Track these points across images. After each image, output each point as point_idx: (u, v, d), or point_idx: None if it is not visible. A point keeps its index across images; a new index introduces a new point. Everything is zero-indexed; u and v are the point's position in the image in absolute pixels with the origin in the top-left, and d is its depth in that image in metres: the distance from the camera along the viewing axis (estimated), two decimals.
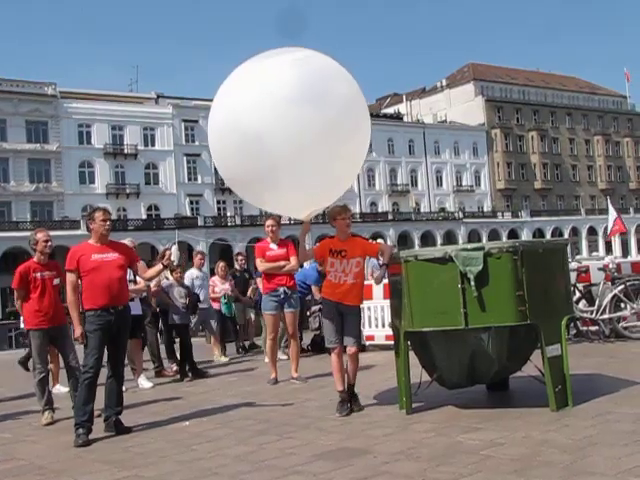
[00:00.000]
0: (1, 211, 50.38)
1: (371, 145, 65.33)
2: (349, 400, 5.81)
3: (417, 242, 62.82)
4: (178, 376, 9.15)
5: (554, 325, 5.19)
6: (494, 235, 66.96)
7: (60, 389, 8.21)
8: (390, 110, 77.97)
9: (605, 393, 5.49)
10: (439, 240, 63.89)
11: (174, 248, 6.20)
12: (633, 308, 9.06)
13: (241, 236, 53.19)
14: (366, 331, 10.57)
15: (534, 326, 5.11)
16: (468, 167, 72.54)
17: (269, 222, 8.05)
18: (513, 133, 75.46)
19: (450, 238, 64.83)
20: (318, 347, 10.04)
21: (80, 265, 5.71)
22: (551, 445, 4.19)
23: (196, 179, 57.22)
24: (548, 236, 66.91)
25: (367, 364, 8.57)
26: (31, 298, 6.52)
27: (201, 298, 10.59)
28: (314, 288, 10.35)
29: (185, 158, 56.60)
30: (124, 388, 6.27)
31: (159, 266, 6.05)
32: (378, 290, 10.15)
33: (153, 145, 56.22)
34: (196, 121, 54.21)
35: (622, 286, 9.02)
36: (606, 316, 8.95)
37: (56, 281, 6.59)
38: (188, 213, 56.68)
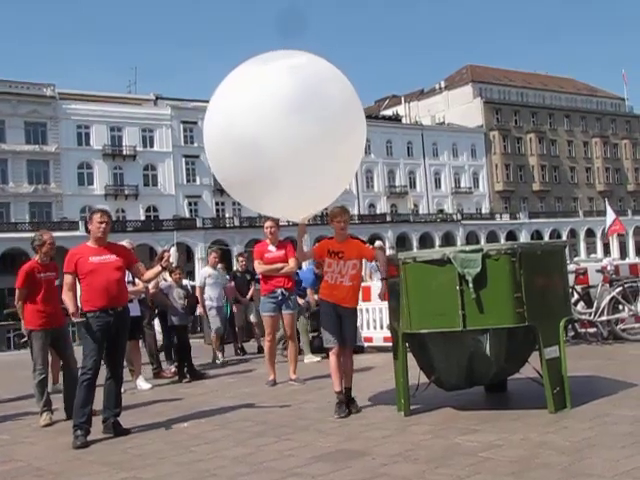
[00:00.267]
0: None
1: (369, 147, 65.67)
2: (347, 402, 5.82)
3: (415, 244, 62.83)
4: (176, 377, 9.16)
5: (552, 327, 5.19)
6: (492, 237, 67.01)
7: (60, 388, 8.20)
8: (389, 112, 78.03)
9: (603, 395, 5.50)
10: (437, 242, 63.93)
11: (172, 249, 6.21)
12: (631, 310, 9.08)
13: (240, 237, 53.19)
14: (364, 333, 10.58)
15: (532, 328, 5.12)
16: (466, 169, 72.60)
17: (268, 224, 8.05)
18: (511, 135, 75.55)
19: (448, 240, 64.84)
20: (316, 349, 10.03)
21: (78, 268, 5.71)
22: (549, 447, 4.19)
23: (195, 180, 57.21)
24: (546, 238, 66.93)
25: (365, 366, 8.57)
26: (34, 299, 6.52)
27: (214, 296, 10.71)
28: (309, 291, 10.36)
29: (184, 159, 56.59)
30: (123, 389, 6.27)
31: (158, 268, 6.05)
32: (376, 292, 10.17)
33: (152, 146, 56.22)
34: (195, 122, 54.19)
35: (620, 288, 9.03)
36: (604, 318, 8.96)
37: (57, 282, 6.60)
38: (187, 214, 56.68)
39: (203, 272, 11.04)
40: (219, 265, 11.57)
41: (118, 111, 54.60)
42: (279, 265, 7.84)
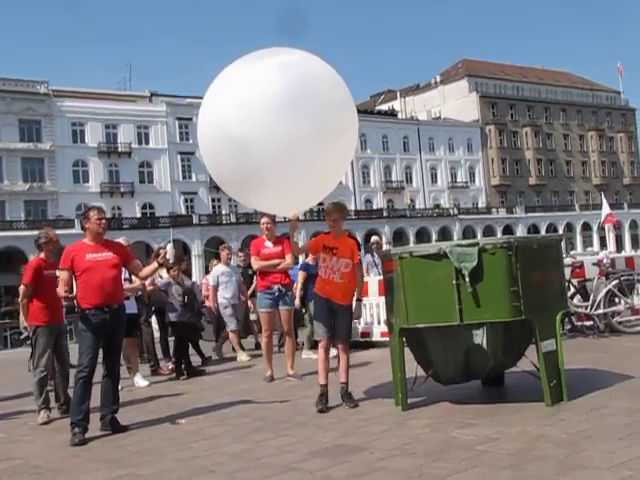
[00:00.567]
0: None
1: (365, 142, 65.61)
2: (342, 395, 5.85)
3: (412, 239, 62.87)
4: (174, 374, 9.15)
5: (549, 320, 5.21)
6: (489, 231, 67.06)
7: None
8: (384, 107, 78.01)
9: (600, 387, 5.51)
10: (434, 236, 63.99)
11: (169, 246, 6.21)
12: (627, 303, 9.11)
13: (236, 234, 53.11)
14: (361, 328, 10.59)
15: (529, 321, 5.13)
16: (462, 163, 72.64)
17: (264, 219, 8.04)
18: (507, 129, 75.59)
19: (445, 234, 64.93)
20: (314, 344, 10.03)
21: (74, 265, 5.71)
22: (546, 439, 4.21)
23: (190, 177, 57.13)
24: (543, 232, 66.97)
25: (363, 361, 8.58)
26: (40, 295, 6.53)
27: (228, 295, 10.54)
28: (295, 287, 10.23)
29: (179, 156, 56.50)
30: (120, 387, 6.28)
31: (154, 265, 6.04)
32: (373, 287, 10.18)
33: (147, 143, 56.12)
34: (190, 119, 53.97)
35: (616, 281, 9.05)
36: (600, 311, 8.98)
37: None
38: (183, 211, 56.61)
39: (216, 270, 10.78)
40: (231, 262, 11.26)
41: (113, 108, 54.46)
42: (276, 261, 7.83)
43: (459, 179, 72.48)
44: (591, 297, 9.06)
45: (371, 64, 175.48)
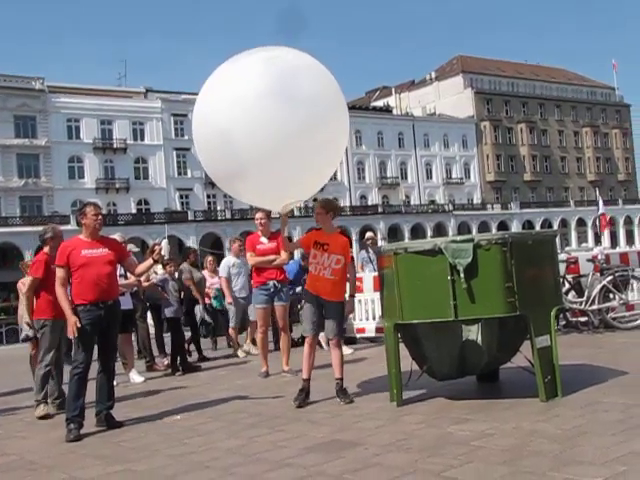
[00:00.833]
0: None
1: (360, 138, 65.47)
2: (338, 390, 5.86)
3: (407, 235, 62.89)
4: (169, 370, 9.16)
5: (543, 316, 5.22)
6: (484, 227, 67.15)
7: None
8: (379, 103, 77.95)
9: (594, 383, 5.53)
10: (429, 232, 63.99)
11: (164, 242, 6.20)
12: (622, 299, 9.13)
13: (231, 230, 52.99)
14: (357, 324, 10.60)
15: (523, 317, 5.14)
16: (457, 159, 72.65)
17: (258, 215, 8.04)
18: (502, 125, 75.61)
19: (440, 230, 64.93)
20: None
21: (70, 260, 5.71)
22: (541, 435, 4.22)
23: (186, 173, 57.02)
24: (537, 228, 67.07)
25: (358, 356, 8.60)
26: (48, 289, 6.50)
27: (239, 286, 10.38)
28: None
29: (175, 152, 56.36)
30: (115, 382, 6.28)
31: (149, 261, 6.04)
32: (368, 283, 10.19)
33: (142, 139, 55.96)
34: (185, 115, 53.77)
35: (611, 277, 9.08)
36: (595, 307, 9.01)
37: None
38: (178, 207, 56.50)
39: (226, 261, 10.56)
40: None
41: (108, 104, 54.25)
42: (271, 257, 7.83)
43: (454, 175, 72.52)
44: (586, 293, 9.09)
45: (366, 60, 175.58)
